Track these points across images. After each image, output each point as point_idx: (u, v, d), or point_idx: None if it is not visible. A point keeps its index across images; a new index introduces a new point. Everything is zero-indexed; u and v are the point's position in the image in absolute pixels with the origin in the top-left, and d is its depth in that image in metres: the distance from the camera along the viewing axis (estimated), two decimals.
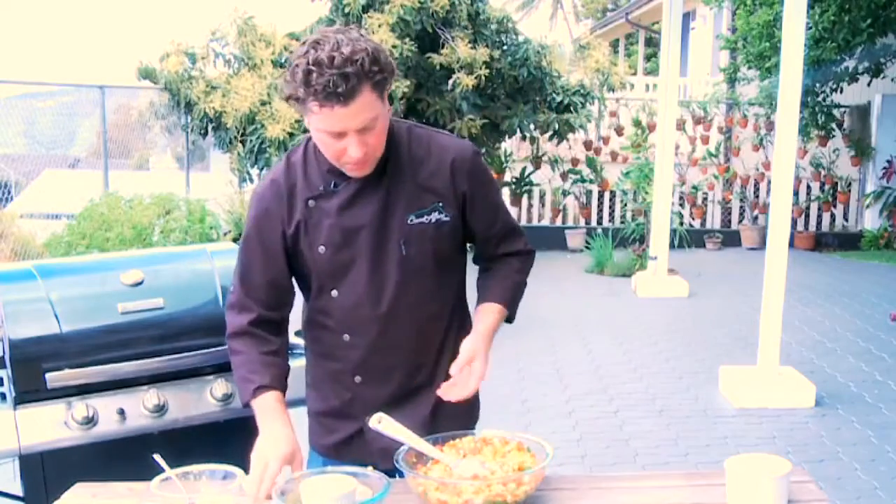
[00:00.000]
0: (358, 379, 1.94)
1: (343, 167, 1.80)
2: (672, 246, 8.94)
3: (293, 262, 1.91)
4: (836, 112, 11.09)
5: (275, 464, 1.70)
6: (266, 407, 1.82)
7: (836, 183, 11.31)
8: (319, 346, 1.98)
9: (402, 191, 1.85)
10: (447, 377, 1.85)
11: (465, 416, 1.97)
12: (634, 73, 18.88)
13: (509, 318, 2.04)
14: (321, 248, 1.86)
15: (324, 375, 1.99)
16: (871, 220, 11.16)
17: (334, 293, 1.89)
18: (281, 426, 1.78)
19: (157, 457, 1.70)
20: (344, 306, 1.89)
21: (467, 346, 1.86)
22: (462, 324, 2.01)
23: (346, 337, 1.91)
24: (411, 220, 1.85)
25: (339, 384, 1.96)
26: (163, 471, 1.66)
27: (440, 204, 1.87)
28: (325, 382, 1.99)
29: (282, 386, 1.89)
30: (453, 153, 1.89)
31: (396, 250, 1.85)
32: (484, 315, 1.95)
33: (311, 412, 2.06)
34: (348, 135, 1.71)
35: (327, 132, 1.72)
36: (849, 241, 10.99)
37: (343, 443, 1.98)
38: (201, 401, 2.30)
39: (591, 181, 11.21)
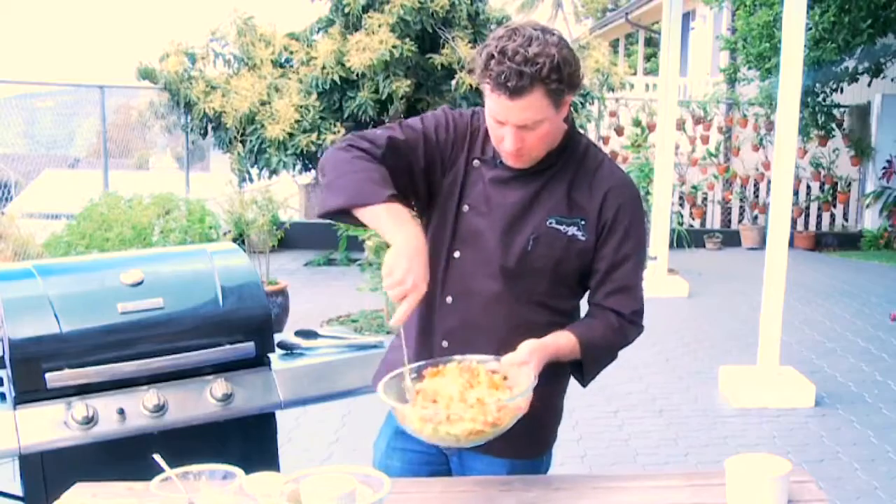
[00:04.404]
0: (445, 344, 1.94)
1: (500, 151, 1.88)
2: (672, 246, 8.95)
3: (425, 203, 1.95)
4: (836, 112, 11.10)
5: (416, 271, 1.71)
6: (401, 211, 1.80)
7: (836, 183, 11.31)
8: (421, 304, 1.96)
9: (555, 193, 1.89)
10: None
11: (535, 431, 1.89)
12: (634, 73, 18.90)
13: (582, 377, 1.96)
14: (465, 207, 1.92)
15: (413, 334, 1.97)
16: (870, 220, 11.17)
17: (457, 254, 1.93)
18: (419, 233, 1.78)
19: (156, 457, 1.70)
20: (460, 269, 1.93)
21: (525, 348, 1.78)
22: None
23: (449, 299, 1.94)
24: (550, 223, 1.88)
25: (426, 345, 1.96)
26: (163, 471, 1.66)
27: (582, 222, 1.89)
28: (410, 340, 1.95)
29: None
30: (614, 182, 1.92)
31: (524, 242, 1.88)
32: (556, 336, 1.87)
33: (387, 360, 2.05)
34: (507, 125, 1.79)
35: (492, 116, 1.83)
36: (849, 241, 10.99)
37: None
38: (201, 401, 2.30)
39: None
